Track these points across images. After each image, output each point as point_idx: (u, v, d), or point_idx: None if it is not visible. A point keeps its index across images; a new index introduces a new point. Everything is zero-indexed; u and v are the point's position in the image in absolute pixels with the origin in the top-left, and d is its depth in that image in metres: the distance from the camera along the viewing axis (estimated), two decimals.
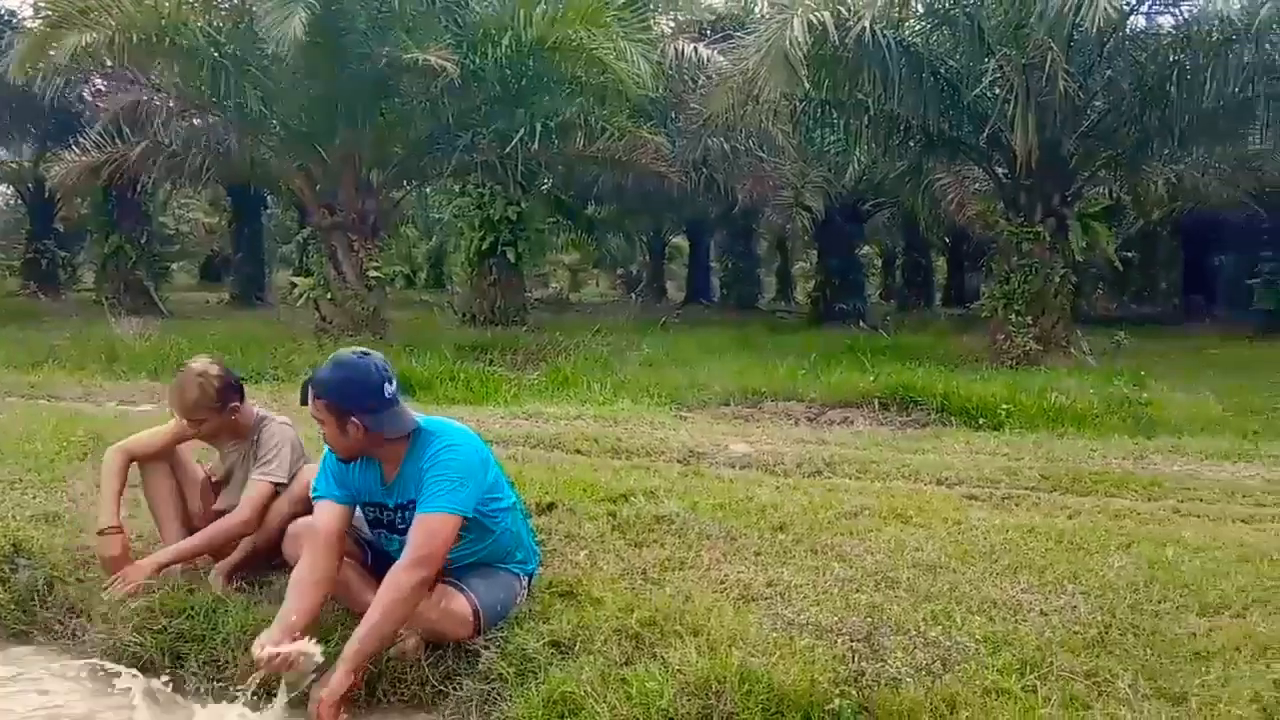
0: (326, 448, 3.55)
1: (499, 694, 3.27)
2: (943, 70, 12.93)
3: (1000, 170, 13.62)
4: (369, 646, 3.24)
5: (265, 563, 4.05)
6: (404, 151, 13.91)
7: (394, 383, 3.45)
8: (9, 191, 32.16)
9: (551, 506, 4.94)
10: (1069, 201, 13.15)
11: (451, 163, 14.44)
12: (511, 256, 17.85)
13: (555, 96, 13.61)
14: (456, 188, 18.75)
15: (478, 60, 12.19)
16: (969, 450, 7.23)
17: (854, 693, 3.02)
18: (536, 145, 13.69)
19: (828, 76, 12.70)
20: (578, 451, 6.78)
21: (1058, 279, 12.75)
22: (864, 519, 4.94)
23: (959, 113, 13.24)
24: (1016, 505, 5.44)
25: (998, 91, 11.94)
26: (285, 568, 3.99)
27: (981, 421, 8.69)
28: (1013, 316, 12.70)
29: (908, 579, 3.97)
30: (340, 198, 13.41)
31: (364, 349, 3.57)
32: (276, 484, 4.02)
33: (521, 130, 13.37)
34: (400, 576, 3.29)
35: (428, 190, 22.10)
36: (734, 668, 3.06)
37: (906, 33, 12.90)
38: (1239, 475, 6.45)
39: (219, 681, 3.50)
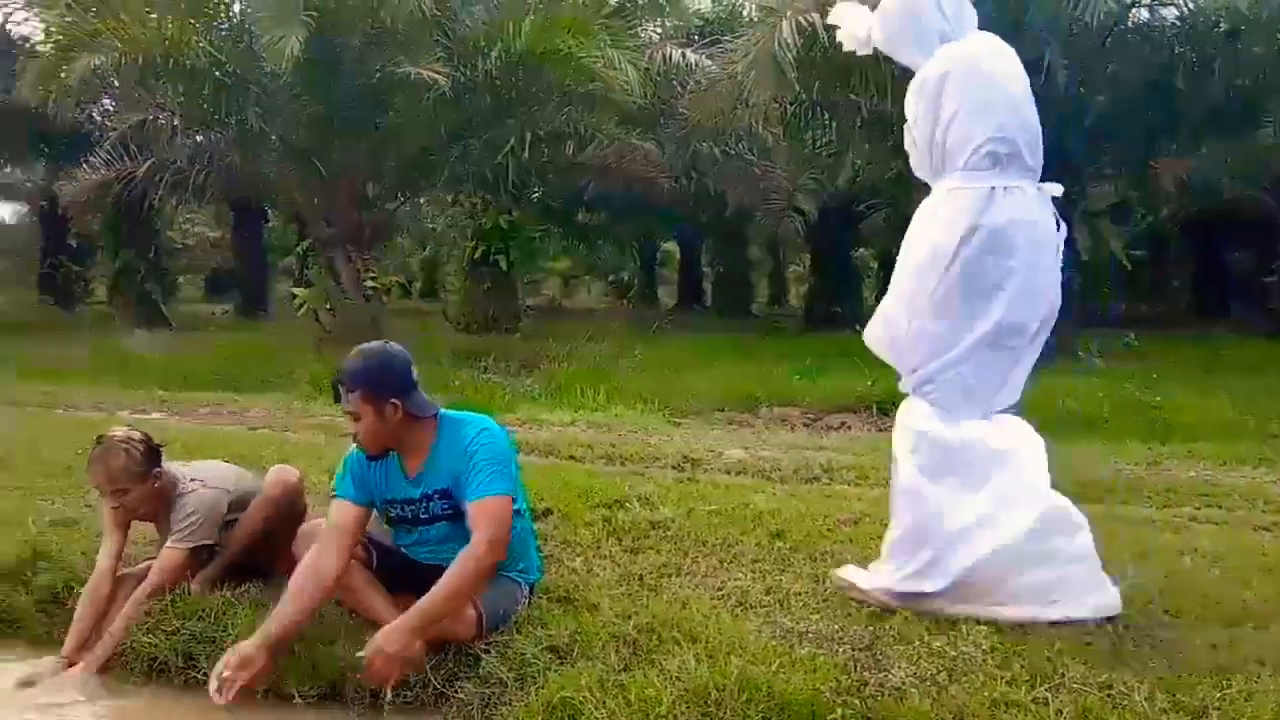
0: (351, 454, 3.64)
1: (499, 698, 3.29)
2: None
3: None
4: (435, 612, 3.32)
5: (249, 568, 4.07)
6: (398, 164, 13.96)
7: (415, 368, 3.58)
8: (24, 209, 32.35)
9: (547, 512, 4.97)
10: (1073, 200, 13.04)
11: (444, 174, 14.53)
12: (504, 265, 17.88)
13: (545, 106, 13.68)
14: (449, 198, 18.85)
15: (468, 73, 12.27)
16: None
17: (857, 703, 3.01)
18: (527, 154, 13.76)
19: (818, 78, 12.67)
20: (572, 458, 6.80)
21: (1063, 279, 12.62)
22: (864, 525, 4.92)
23: None
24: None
25: None
26: (273, 575, 4.06)
27: None
28: None
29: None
30: (337, 210, 13.48)
31: (381, 341, 3.72)
32: (189, 548, 3.94)
33: (512, 140, 13.44)
34: (472, 561, 3.36)
35: (422, 201, 22.15)
36: (734, 676, 3.05)
37: None
38: (1258, 480, 6.28)
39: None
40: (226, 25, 12.96)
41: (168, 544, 3.94)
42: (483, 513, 3.43)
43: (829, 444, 7.49)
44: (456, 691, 3.38)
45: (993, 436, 3.70)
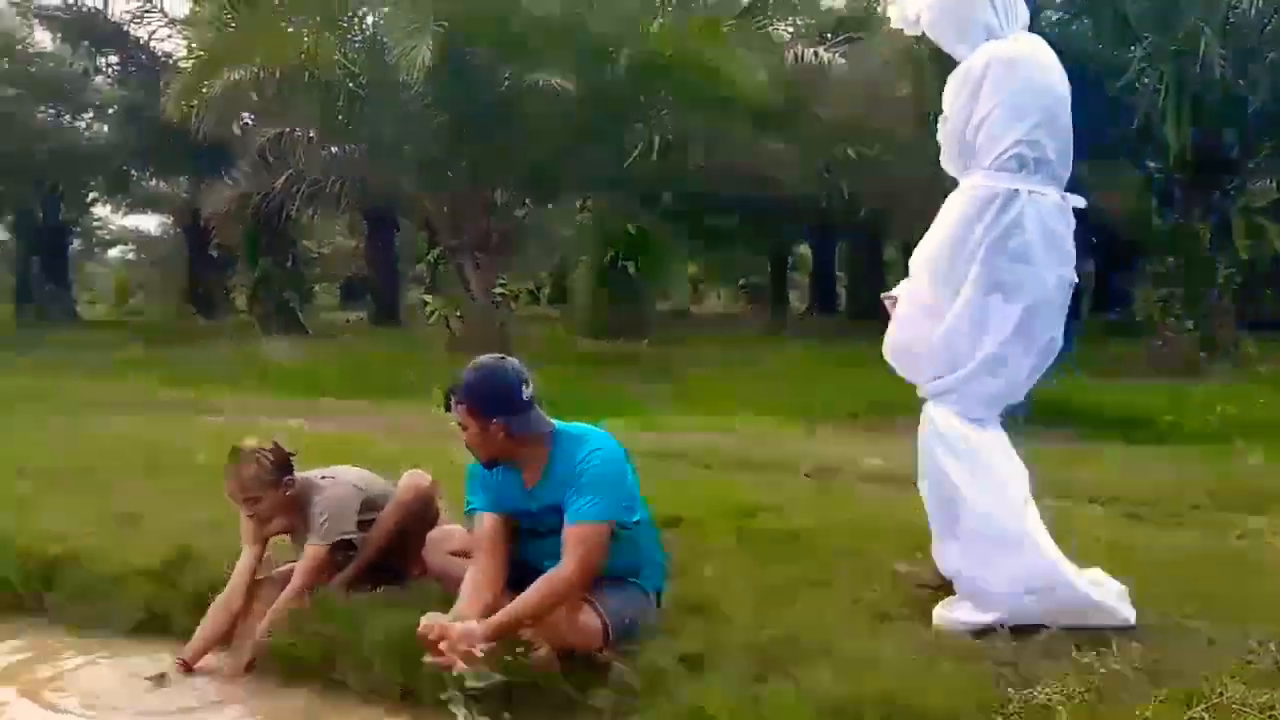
0: (470, 465, 3.66)
1: (631, 707, 3.25)
2: (1083, 61, 12.47)
3: (1152, 165, 13.03)
4: (511, 626, 3.33)
5: (384, 570, 4.12)
6: (527, 171, 14.11)
7: (530, 385, 3.55)
8: (170, 221, 33.83)
9: (677, 521, 4.89)
10: (1231, 196, 12.44)
11: (573, 180, 14.63)
12: (632, 270, 17.95)
13: (674, 110, 13.65)
14: (578, 204, 18.97)
15: (597, 78, 12.31)
16: (1126, 465, 6.87)
17: None
18: (656, 159, 13.74)
19: (950, 70, 12.31)
20: (704, 465, 6.73)
21: (1221, 280, 12.10)
22: None
23: (1103, 106, 12.77)
24: (1180, 525, 5.13)
25: (1146, 82, 11.44)
26: (406, 578, 4.12)
27: (1139, 434, 8.14)
28: (1171, 321, 12.07)
29: None
30: (467, 218, 13.70)
31: (501, 354, 3.69)
32: (330, 544, 4.02)
33: (640, 145, 13.44)
34: (560, 584, 3.36)
35: (550, 207, 22.37)
36: (871, 690, 2.95)
37: (1043, 24, 12.51)
38: None
39: (368, 684, 3.57)
40: (360, 38, 13.30)
41: (309, 542, 4.01)
42: (576, 539, 3.40)
43: None
44: (587, 699, 3.35)
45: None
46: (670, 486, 5.50)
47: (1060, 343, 3.68)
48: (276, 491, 3.99)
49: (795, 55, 14.93)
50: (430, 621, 3.28)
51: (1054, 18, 12.86)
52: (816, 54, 14.91)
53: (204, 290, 27.52)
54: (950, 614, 3.59)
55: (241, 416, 9.21)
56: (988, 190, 3.53)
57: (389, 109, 12.60)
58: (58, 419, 8.93)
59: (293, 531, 4.18)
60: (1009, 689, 3.04)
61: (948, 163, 3.76)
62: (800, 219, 24.68)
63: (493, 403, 3.47)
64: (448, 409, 3.55)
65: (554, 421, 3.62)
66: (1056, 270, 3.61)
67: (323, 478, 4.16)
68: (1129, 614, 3.52)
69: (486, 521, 3.61)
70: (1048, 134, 3.55)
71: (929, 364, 3.70)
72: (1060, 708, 2.93)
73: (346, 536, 4.05)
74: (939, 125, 3.77)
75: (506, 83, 12.09)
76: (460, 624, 3.27)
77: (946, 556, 3.72)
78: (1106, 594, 3.55)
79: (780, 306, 31.73)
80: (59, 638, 4.26)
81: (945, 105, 3.72)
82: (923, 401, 3.82)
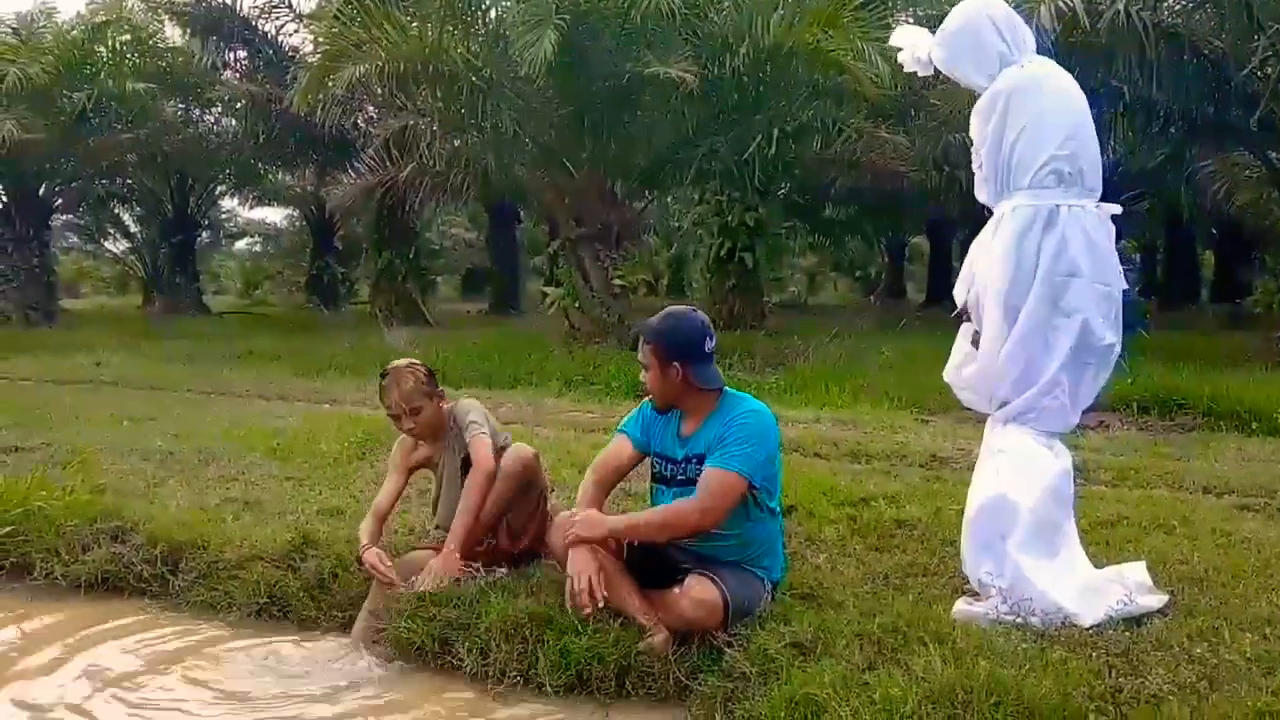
0: (645, 401, 3.92)
1: (742, 692, 3.30)
2: (1206, 51, 12.09)
3: (1274, 155, 12.64)
4: (635, 530, 3.70)
5: (495, 555, 4.23)
6: (646, 162, 14.17)
7: (713, 340, 3.79)
8: (295, 214, 34.76)
9: (791, 509, 4.95)
10: None
11: (691, 171, 14.63)
12: (749, 261, 17.93)
13: (792, 101, 13.58)
14: (696, 195, 19.00)
15: (716, 70, 12.32)
16: (1241, 457, 6.76)
17: (1111, 709, 2.89)
18: (774, 150, 13.69)
19: (1078, 63, 12.08)
20: (817, 455, 6.75)
21: None
22: (1122, 529, 4.75)
23: (1225, 96, 12.36)
24: None
25: (1269, 71, 11.10)
26: (512, 554, 4.24)
27: (1255, 426, 7.94)
28: None
29: (1171, 592, 3.77)
30: (586, 210, 13.80)
31: (693, 306, 3.97)
32: (486, 432, 4.24)
33: (759, 136, 13.40)
34: (685, 514, 3.61)
35: (668, 199, 22.45)
36: (981, 678, 2.95)
37: (1164, 14, 12.17)
38: None
39: (485, 666, 3.65)
40: (483, 31, 13.49)
41: (470, 436, 4.22)
42: (711, 481, 3.59)
43: (1085, 444, 7.12)
44: (699, 684, 3.42)
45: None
46: (785, 475, 5.48)
47: (1119, 349, 3.72)
48: (434, 402, 4.28)
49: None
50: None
51: (1177, 7, 12.49)
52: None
53: (328, 281, 28.19)
54: (971, 608, 3.64)
55: (363, 406, 9.48)
56: (1031, 210, 3.61)
57: (510, 101, 12.77)
58: (185, 407, 9.31)
59: (432, 464, 4.42)
60: (1120, 678, 3.03)
61: (981, 193, 3.85)
62: (917, 210, 24.31)
63: (676, 347, 3.71)
64: (634, 348, 3.82)
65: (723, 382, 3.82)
66: (1105, 280, 3.65)
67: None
68: (1155, 603, 3.65)
69: (619, 445, 3.94)
70: (1079, 147, 3.64)
71: (998, 388, 3.77)
72: (1171, 697, 2.91)
73: (487, 435, 4.23)
74: (973, 157, 3.85)
75: (627, 75, 12.15)
76: (589, 513, 3.64)
77: (979, 565, 3.70)
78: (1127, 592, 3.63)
79: (897, 298, 31.29)
80: (184, 621, 4.39)
81: (974, 135, 3.81)
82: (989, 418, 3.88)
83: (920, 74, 4.02)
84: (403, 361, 4.33)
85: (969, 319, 3.88)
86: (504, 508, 4.22)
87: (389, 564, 4.05)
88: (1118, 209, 3.74)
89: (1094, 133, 3.71)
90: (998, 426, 3.80)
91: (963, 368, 3.93)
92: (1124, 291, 3.74)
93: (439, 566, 3.99)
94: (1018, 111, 3.62)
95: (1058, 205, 3.59)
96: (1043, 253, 3.58)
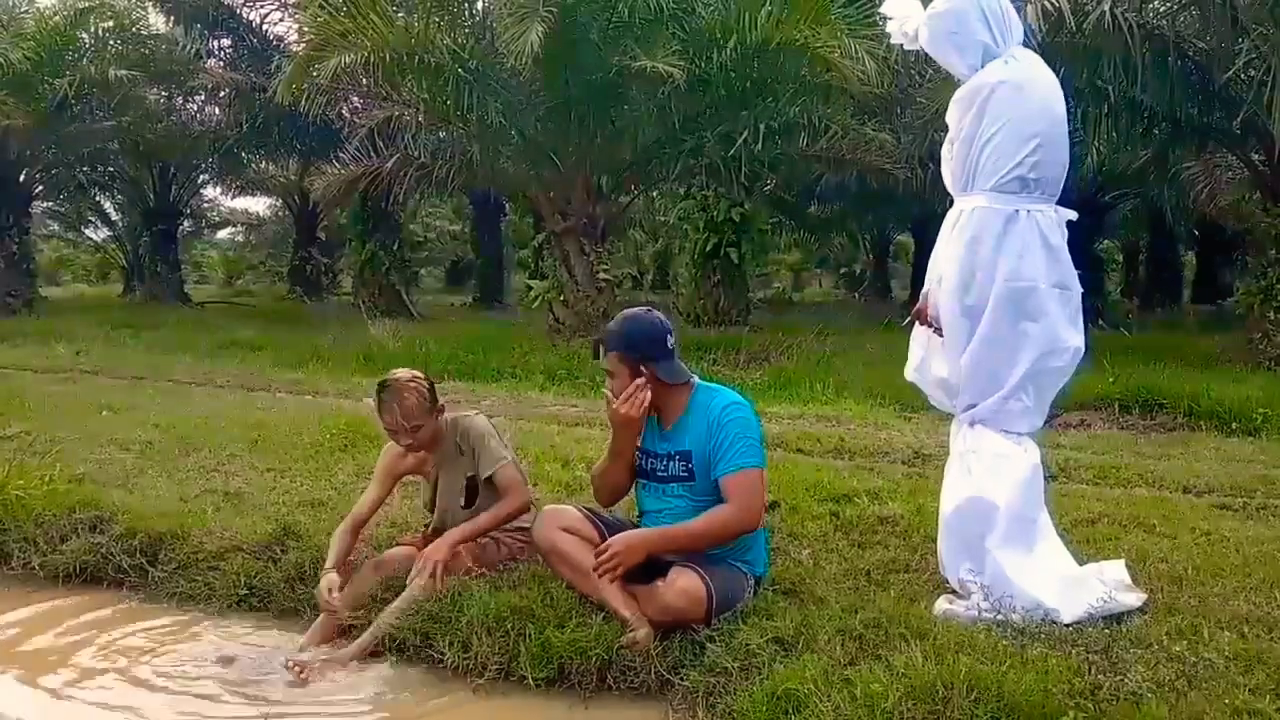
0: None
1: (724, 687, 3.31)
2: (1191, 53, 12.13)
3: (1257, 158, 12.64)
4: (672, 542, 3.67)
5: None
6: (632, 156, 14.15)
7: (673, 335, 3.78)
8: (278, 203, 34.61)
9: (774, 505, 4.95)
10: None
11: (677, 166, 14.63)
12: (735, 257, 17.92)
13: (779, 97, 13.57)
14: (681, 191, 18.98)
15: (703, 65, 12.31)
16: (1220, 457, 6.80)
17: (1090, 706, 2.91)
18: (760, 146, 13.66)
19: (1063, 64, 12.10)
20: (799, 450, 6.77)
21: None
22: (1102, 526, 4.78)
23: (1209, 98, 12.38)
24: (1274, 516, 5.08)
25: (1253, 74, 11.15)
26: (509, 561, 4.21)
27: (1235, 426, 8.00)
28: (1271, 314, 11.77)
29: (1150, 590, 3.79)
30: (572, 203, 13.78)
31: (647, 305, 3.95)
32: (511, 461, 4.21)
33: (745, 132, 13.39)
34: (726, 519, 3.62)
35: (654, 194, 22.41)
36: (962, 674, 2.98)
37: (1150, 15, 12.19)
38: None
39: (466, 660, 3.65)
40: (469, 22, 13.45)
41: (497, 468, 4.14)
42: (738, 485, 3.61)
43: (1067, 442, 7.18)
44: (681, 679, 3.42)
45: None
46: (768, 471, 5.52)
47: (1083, 350, 3.73)
48: (434, 419, 4.17)
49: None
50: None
51: (1161, 9, 12.52)
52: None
53: (311, 272, 28.06)
54: (953, 606, 3.65)
55: (345, 398, 9.46)
56: (990, 211, 3.61)
57: (497, 93, 12.73)
58: (165, 397, 9.25)
59: (423, 472, 4.37)
60: (1099, 676, 3.05)
61: (948, 182, 3.83)
62: (903, 208, 24.36)
63: (641, 349, 3.69)
64: (596, 358, 3.77)
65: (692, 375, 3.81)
66: (1064, 283, 3.67)
67: (464, 413, 4.40)
68: (1134, 601, 3.67)
69: None
70: (1047, 155, 3.64)
71: (965, 391, 3.77)
72: (1150, 695, 2.93)
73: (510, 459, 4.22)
74: (944, 145, 3.85)
75: (614, 69, 12.13)
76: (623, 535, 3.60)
77: (958, 565, 3.73)
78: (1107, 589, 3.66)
79: (882, 295, 31.35)
80: (163, 612, 4.39)
81: (950, 125, 3.79)
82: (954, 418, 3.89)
83: (907, 47, 3.99)
84: (404, 374, 4.18)
85: (934, 325, 3.86)
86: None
87: (336, 596, 3.99)
88: (1073, 215, 3.75)
89: (1065, 137, 3.72)
90: (964, 428, 3.81)
91: (927, 363, 3.94)
92: (1085, 294, 3.78)
93: (433, 552, 3.98)
94: (995, 113, 3.60)
95: (1017, 210, 3.61)
96: (1001, 257, 3.59)
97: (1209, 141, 13.68)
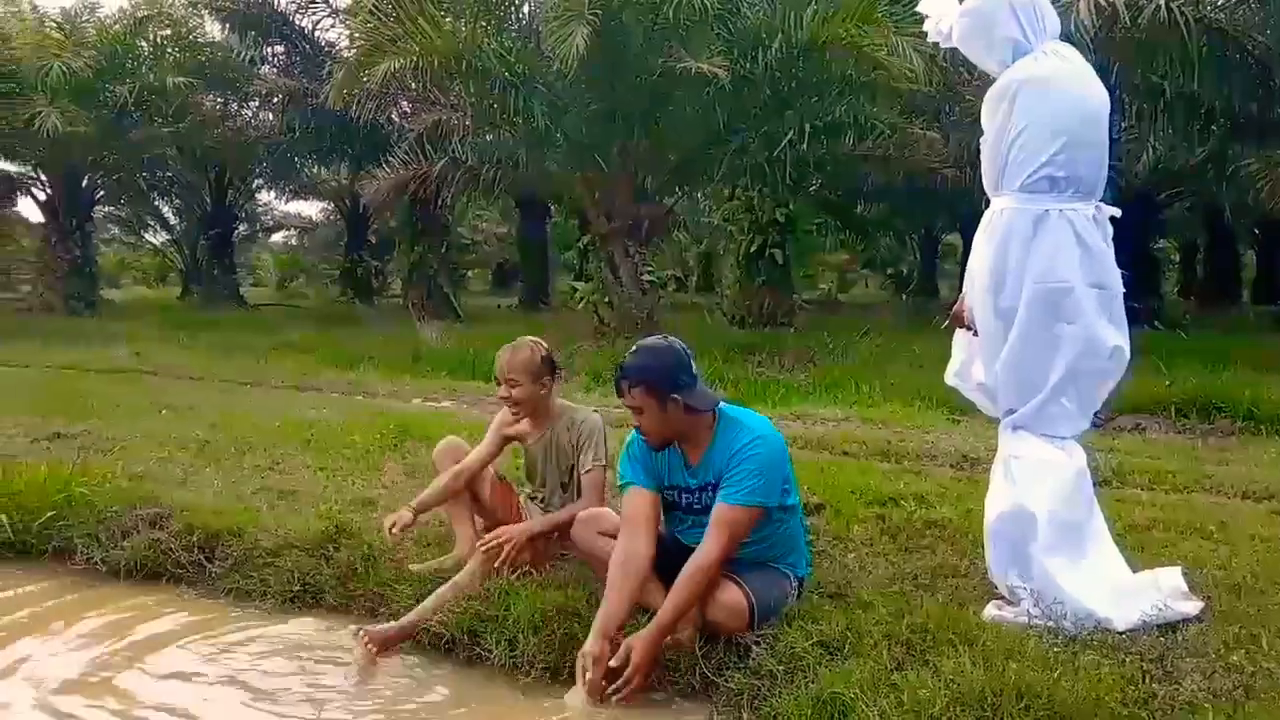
0: (631, 437, 3.76)
1: (769, 690, 3.29)
2: (1250, 47, 11.92)
3: None
4: (672, 618, 3.46)
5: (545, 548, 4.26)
6: (677, 158, 14.16)
7: (694, 361, 3.69)
8: (330, 207, 35.02)
9: (820, 508, 4.94)
10: None
11: (721, 167, 14.61)
12: (780, 258, 17.88)
13: (824, 97, 13.51)
14: (726, 192, 18.95)
15: (748, 65, 12.28)
16: None
17: (1144, 716, 2.86)
18: (805, 146, 13.62)
19: (1117, 59, 11.94)
20: (845, 453, 6.72)
21: None
22: (1157, 533, 4.68)
23: (1269, 93, 12.19)
24: None
25: None
26: (562, 557, 4.23)
27: None
28: None
29: (1207, 598, 3.71)
30: (617, 205, 13.81)
31: (662, 335, 3.85)
32: (605, 467, 4.25)
33: (790, 132, 13.35)
34: (704, 566, 3.48)
35: (699, 195, 22.41)
36: (1011, 681, 2.93)
37: (1207, 8, 11.99)
38: None
39: (513, 658, 3.66)
40: (515, 26, 13.53)
41: (593, 467, 4.22)
42: (723, 520, 3.51)
43: (1121, 446, 7.06)
44: (726, 681, 3.41)
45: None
46: (813, 474, 5.53)
47: (1128, 352, 3.66)
48: (535, 385, 4.26)
49: None
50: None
51: (1220, 2, 12.32)
52: None
53: (361, 275, 28.38)
54: (1001, 612, 3.61)
55: (395, 399, 9.54)
56: (1018, 212, 3.57)
57: (542, 97, 12.79)
58: (221, 397, 9.41)
59: (525, 444, 4.48)
60: (1154, 685, 2.99)
61: (985, 182, 3.79)
62: (951, 207, 24.16)
63: (668, 380, 3.57)
64: (620, 394, 3.64)
65: (721, 404, 3.72)
66: (1102, 282, 3.61)
67: (591, 410, 4.50)
68: (1190, 609, 3.58)
69: (640, 498, 3.68)
70: (1078, 152, 3.56)
71: (1002, 396, 3.74)
72: (1206, 705, 2.88)
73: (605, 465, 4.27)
74: (981, 144, 3.79)
75: (659, 70, 12.14)
76: (624, 645, 3.39)
77: (1006, 571, 3.69)
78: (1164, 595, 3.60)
79: (929, 296, 31.11)
80: (219, 608, 4.45)
81: (983, 123, 3.74)
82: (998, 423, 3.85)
83: (943, 45, 3.95)
84: (530, 338, 4.36)
85: (970, 327, 3.83)
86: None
87: (396, 531, 4.20)
88: (1116, 211, 3.69)
89: (1099, 134, 3.63)
90: (1007, 432, 3.77)
91: (968, 367, 3.91)
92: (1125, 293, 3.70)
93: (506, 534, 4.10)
94: (1022, 110, 3.56)
95: (1047, 210, 3.55)
96: (1032, 259, 3.54)
97: (1269, 138, 13.42)
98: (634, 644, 3.38)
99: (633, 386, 3.59)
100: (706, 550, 3.49)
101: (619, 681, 3.34)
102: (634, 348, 3.73)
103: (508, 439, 4.52)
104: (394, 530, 4.18)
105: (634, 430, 3.73)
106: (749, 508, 3.51)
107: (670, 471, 3.74)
